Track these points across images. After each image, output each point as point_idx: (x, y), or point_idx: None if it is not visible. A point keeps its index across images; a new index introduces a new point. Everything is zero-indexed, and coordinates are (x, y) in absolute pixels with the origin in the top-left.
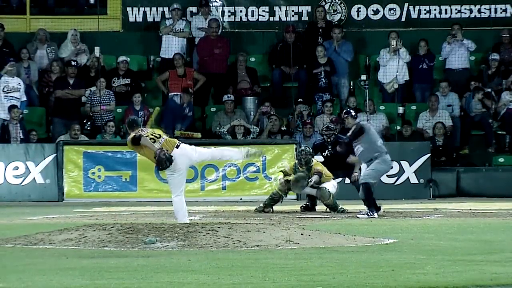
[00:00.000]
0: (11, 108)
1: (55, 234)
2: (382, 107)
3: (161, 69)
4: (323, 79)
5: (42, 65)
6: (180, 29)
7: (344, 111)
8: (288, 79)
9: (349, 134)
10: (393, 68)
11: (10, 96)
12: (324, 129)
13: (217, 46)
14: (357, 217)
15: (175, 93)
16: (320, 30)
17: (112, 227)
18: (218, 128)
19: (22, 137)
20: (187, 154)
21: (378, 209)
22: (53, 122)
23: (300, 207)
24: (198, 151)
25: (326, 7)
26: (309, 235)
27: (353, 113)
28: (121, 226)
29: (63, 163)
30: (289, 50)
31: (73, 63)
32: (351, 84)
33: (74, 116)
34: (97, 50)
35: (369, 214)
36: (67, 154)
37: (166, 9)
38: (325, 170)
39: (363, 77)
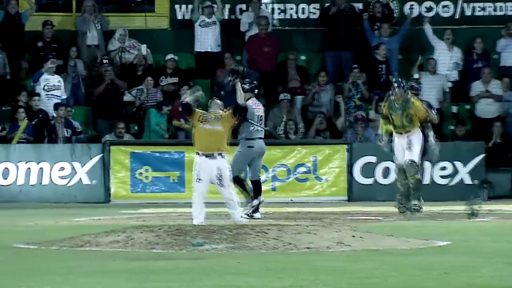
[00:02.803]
0: (57, 106)
1: (101, 236)
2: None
3: (201, 65)
4: (384, 76)
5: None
6: (213, 21)
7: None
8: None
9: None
10: (447, 66)
11: (51, 95)
12: (408, 87)
13: (266, 44)
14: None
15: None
16: (378, 24)
17: (160, 229)
18: (268, 128)
19: (68, 135)
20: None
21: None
22: (97, 123)
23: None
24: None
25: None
26: (361, 237)
27: (247, 86)
28: (169, 228)
29: (110, 164)
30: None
31: (104, 61)
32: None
33: (117, 115)
34: (143, 48)
35: (248, 214)
36: (114, 155)
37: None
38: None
39: (416, 76)
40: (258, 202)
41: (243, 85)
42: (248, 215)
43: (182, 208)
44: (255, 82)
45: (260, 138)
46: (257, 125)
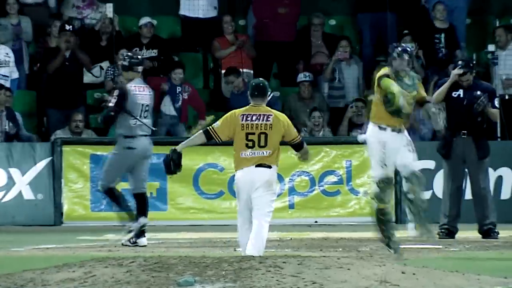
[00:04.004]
0: None
1: (50, 273)
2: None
3: (190, 32)
4: (443, 49)
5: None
6: None
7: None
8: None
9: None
10: None
11: None
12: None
13: (282, 3)
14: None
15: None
16: None
17: (132, 262)
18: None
19: (10, 131)
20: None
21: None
22: (47, 114)
23: (438, 233)
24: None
25: None
26: (414, 274)
27: (126, 63)
28: (145, 261)
29: (62, 171)
30: None
31: (67, 27)
32: (473, 57)
33: (76, 104)
34: (109, 8)
35: (131, 240)
36: (68, 158)
37: None
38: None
39: (491, 47)
40: (140, 225)
41: (122, 62)
42: (130, 241)
43: (163, 233)
44: (139, 56)
45: (144, 135)
46: (138, 119)
